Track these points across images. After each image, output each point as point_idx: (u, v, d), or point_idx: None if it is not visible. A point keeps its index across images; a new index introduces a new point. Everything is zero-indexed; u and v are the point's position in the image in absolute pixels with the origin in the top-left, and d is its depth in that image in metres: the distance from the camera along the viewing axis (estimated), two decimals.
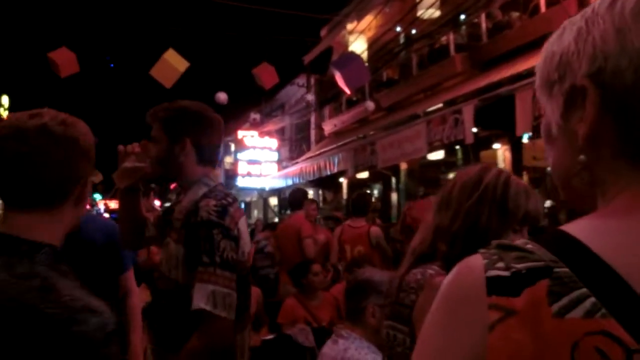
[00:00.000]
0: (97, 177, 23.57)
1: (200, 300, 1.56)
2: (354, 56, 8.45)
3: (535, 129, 5.45)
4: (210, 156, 1.87)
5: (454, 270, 0.59)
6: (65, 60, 8.46)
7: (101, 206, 45.66)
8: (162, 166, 1.84)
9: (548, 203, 11.20)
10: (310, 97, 10.70)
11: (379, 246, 4.89)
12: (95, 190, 40.95)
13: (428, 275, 1.36)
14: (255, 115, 12.56)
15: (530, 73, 8.59)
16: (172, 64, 8.48)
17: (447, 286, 0.59)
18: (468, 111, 6.34)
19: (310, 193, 17.25)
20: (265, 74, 8.63)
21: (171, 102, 1.87)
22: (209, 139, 1.86)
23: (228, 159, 21.00)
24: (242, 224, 1.74)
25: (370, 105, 10.48)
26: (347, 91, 8.80)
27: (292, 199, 5.63)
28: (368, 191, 15.57)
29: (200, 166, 1.83)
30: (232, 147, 21.91)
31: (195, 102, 1.90)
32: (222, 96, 9.32)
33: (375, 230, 4.97)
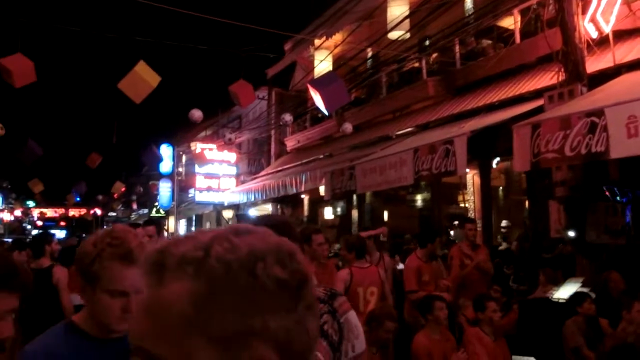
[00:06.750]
0: (37, 187, 21.85)
1: None
2: (334, 77, 8.30)
3: (534, 166, 5.46)
4: None
5: None
6: (20, 68, 7.76)
7: (35, 214, 43.04)
8: None
9: (504, 223, 11.50)
10: (289, 117, 10.43)
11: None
12: (32, 199, 38.44)
13: None
14: (230, 135, 12.07)
15: (504, 103, 8.78)
16: (144, 77, 7.98)
17: None
18: (460, 143, 6.32)
19: (269, 208, 16.90)
20: (242, 92, 8.31)
21: None
22: None
23: (180, 170, 20.27)
24: None
25: (348, 127, 10.36)
26: (326, 112, 8.64)
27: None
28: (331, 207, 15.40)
29: None
30: (184, 158, 21.17)
31: None
32: (196, 114, 8.88)
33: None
